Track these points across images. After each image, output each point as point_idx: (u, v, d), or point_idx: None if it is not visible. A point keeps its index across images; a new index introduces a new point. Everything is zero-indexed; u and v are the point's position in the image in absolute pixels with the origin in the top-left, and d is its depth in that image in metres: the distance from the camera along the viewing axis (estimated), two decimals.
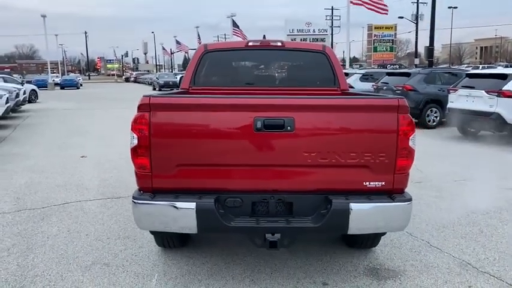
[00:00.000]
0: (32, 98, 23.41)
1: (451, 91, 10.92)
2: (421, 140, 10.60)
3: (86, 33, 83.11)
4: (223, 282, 3.57)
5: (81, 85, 48.44)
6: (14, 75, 40.71)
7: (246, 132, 3.06)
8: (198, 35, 54.05)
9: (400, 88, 12.78)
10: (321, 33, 30.18)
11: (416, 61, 45.04)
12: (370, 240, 4.06)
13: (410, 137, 3.11)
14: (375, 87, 14.08)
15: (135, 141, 3.10)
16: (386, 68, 42.04)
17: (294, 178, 3.17)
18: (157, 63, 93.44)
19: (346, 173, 3.15)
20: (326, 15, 62.10)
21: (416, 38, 48.81)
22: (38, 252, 4.14)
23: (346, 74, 15.94)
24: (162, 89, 34.75)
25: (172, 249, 4.16)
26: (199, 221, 3.05)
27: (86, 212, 5.28)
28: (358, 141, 3.12)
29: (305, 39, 28.67)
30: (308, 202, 3.18)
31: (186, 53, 64.24)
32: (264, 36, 5.13)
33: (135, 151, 3.13)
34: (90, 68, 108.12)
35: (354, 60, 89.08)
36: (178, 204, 3.06)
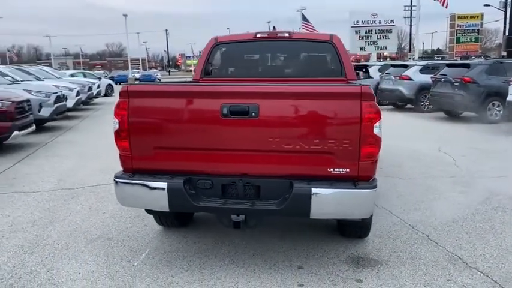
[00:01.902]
0: (108, 91, 25.34)
1: (511, 83, 10.14)
2: (474, 136, 10.13)
3: (166, 30, 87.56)
4: (205, 260, 3.79)
5: (159, 80, 51.12)
6: (102, 71, 43.96)
7: (214, 118, 3.24)
8: (269, 29, 54.53)
9: (459, 80, 12.06)
10: (387, 24, 28.90)
11: (504, 52, 41.50)
12: (358, 230, 4.06)
13: (375, 125, 3.09)
14: (433, 79, 13.40)
15: (117, 126, 3.41)
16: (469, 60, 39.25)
17: (260, 163, 3.29)
18: None
19: (310, 159, 3.21)
20: (405, 6, 59.70)
21: (505, 27, 44.78)
22: (56, 225, 4.65)
23: (406, 66, 15.34)
24: None
25: (171, 228, 4.46)
26: (170, 199, 3.29)
27: (112, 193, 5.73)
28: (322, 128, 3.16)
29: (370, 31, 27.76)
30: (274, 186, 3.28)
31: None
32: (274, 28, 5.25)
33: (117, 134, 3.44)
34: (171, 64, 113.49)
35: (437, 52, 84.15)
36: (152, 183, 3.32)
